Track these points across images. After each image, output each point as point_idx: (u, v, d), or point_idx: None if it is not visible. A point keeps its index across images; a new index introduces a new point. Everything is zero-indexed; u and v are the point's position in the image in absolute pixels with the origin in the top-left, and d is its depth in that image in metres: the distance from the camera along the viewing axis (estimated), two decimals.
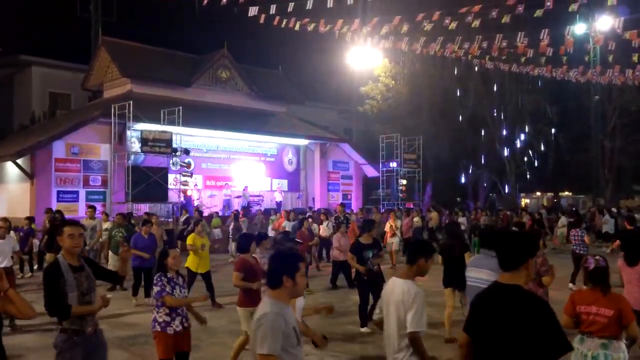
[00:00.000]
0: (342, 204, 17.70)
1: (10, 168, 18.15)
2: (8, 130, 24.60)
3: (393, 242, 14.19)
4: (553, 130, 31.25)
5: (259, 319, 2.66)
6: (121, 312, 8.60)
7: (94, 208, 12.68)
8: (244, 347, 5.53)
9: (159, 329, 4.52)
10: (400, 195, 25.01)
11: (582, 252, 10.08)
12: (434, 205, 23.65)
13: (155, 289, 4.58)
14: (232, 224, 15.71)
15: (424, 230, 19.47)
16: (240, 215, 16.84)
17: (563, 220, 16.56)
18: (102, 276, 4.13)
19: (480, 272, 4.54)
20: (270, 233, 16.94)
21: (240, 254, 5.96)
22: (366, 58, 26.10)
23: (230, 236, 15.65)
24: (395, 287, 3.56)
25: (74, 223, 4.12)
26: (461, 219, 19.66)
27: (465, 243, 8.16)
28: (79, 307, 3.71)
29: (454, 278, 6.54)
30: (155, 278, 4.65)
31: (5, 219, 8.37)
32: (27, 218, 13.26)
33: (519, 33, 14.56)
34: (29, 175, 17.19)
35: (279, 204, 22.11)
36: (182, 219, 16.54)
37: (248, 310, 5.31)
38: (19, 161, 17.02)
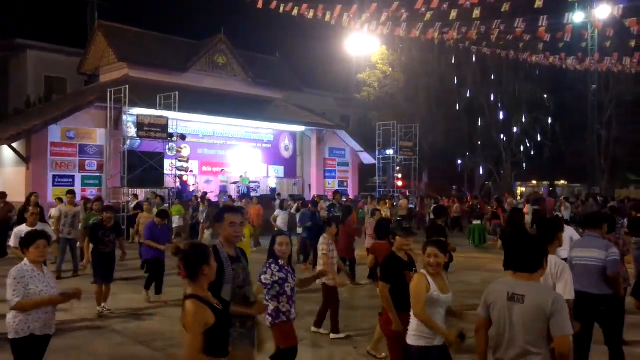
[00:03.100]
0: (336, 191, 17.66)
1: (6, 152, 18.08)
2: (3, 114, 24.45)
3: None
4: (550, 119, 31.29)
5: (553, 302, 2.74)
6: (140, 307, 7.90)
7: (73, 193, 11.07)
8: None
9: (285, 319, 4.29)
10: (397, 182, 25.06)
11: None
12: (403, 193, 23.60)
13: (272, 278, 4.26)
14: (207, 209, 14.14)
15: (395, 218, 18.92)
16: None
17: (529, 208, 16.18)
18: None
19: (591, 252, 4.83)
20: None
21: (379, 240, 6.26)
22: (364, 45, 25.99)
23: (202, 222, 14.06)
24: None
25: (236, 209, 3.82)
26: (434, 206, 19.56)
27: (525, 229, 8.01)
28: (238, 308, 3.41)
29: None
30: (266, 265, 4.35)
31: (36, 206, 7.74)
32: None
33: (517, 19, 14.52)
34: (25, 159, 17.13)
35: (273, 190, 22.14)
36: (133, 204, 15.76)
37: None
38: (14, 145, 16.95)
